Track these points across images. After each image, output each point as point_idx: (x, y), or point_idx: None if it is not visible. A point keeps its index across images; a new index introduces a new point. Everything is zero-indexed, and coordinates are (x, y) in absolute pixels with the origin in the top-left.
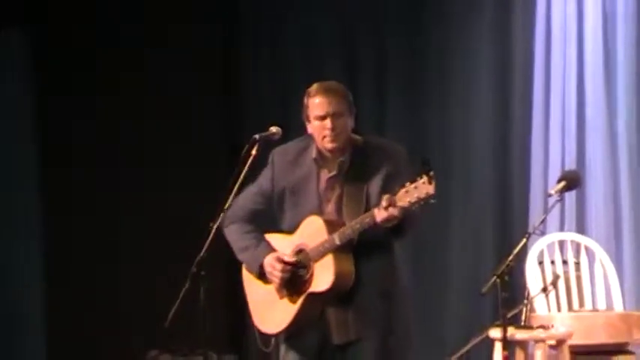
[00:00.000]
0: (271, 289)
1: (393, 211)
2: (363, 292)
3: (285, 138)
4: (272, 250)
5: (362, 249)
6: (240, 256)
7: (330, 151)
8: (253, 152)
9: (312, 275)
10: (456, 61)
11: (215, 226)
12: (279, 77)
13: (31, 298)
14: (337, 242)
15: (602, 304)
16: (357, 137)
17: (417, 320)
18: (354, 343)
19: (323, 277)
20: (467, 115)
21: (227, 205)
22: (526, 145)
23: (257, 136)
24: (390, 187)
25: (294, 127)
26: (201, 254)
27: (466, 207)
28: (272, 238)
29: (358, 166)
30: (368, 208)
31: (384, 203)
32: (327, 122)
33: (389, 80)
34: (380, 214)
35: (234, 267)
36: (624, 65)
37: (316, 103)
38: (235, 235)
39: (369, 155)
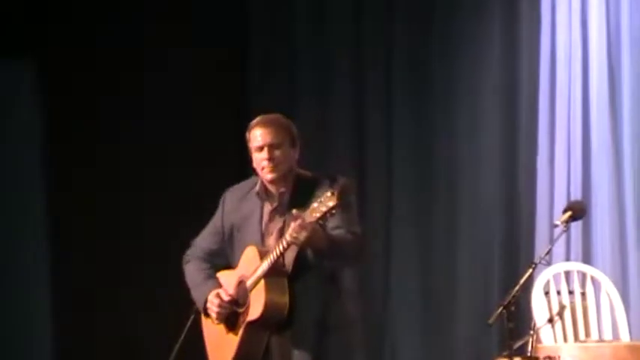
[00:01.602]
0: (220, 327)
1: (300, 227)
2: (299, 321)
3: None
4: (218, 286)
5: (299, 278)
6: (192, 294)
7: (270, 182)
8: None
9: (247, 306)
10: (461, 86)
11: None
12: (288, 78)
13: (37, 300)
14: (265, 267)
15: (608, 335)
16: (304, 172)
17: (426, 349)
18: None
19: (256, 304)
20: (473, 145)
21: None
22: (532, 175)
23: None
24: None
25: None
26: None
27: (472, 237)
28: (222, 275)
29: (299, 197)
30: None
31: (292, 221)
32: (265, 153)
33: (397, 92)
34: (290, 234)
35: None
36: (630, 91)
37: (255, 135)
38: (190, 274)
39: (311, 185)
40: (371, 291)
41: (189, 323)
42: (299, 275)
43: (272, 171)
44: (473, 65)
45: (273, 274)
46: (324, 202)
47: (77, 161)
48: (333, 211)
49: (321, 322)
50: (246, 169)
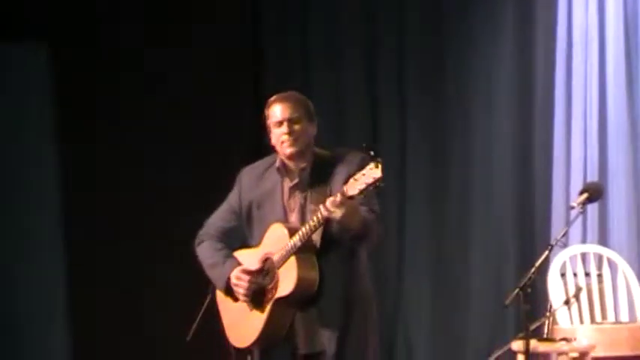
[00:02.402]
0: (242, 304)
1: (338, 198)
2: (324, 298)
3: None
4: (239, 264)
5: (325, 255)
6: (209, 273)
7: (289, 156)
8: None
9: (277, 282)
10: (476, 69)
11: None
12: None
13: (54, 300)
14: (297, 243)
15: (624, 316)
16: (321, 150)
17: (440, 332)
18: (318, 354)
19: (287, 280)
20: (488, 126)
21: None
22: (548, 157)
23: None
24: None
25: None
26: None
27: (488, 219)
28: (240, 254)
29: (319, 173)
30: None
31: (333, 194)
32: (284, 127)
33: (409, 87)
34: (326, 207)
35: None
36: None
37: (274, 111)
38: (205, 253)
39: (330, 162)
40: (384, 274)
41: (206, 302)
42: (325, 251)
43: (292, 145)
44: (488, 48)
45: (302, 249)
46: (368, 174)
47: (91, 156)
48: (379, 184)
49: (345, 299)
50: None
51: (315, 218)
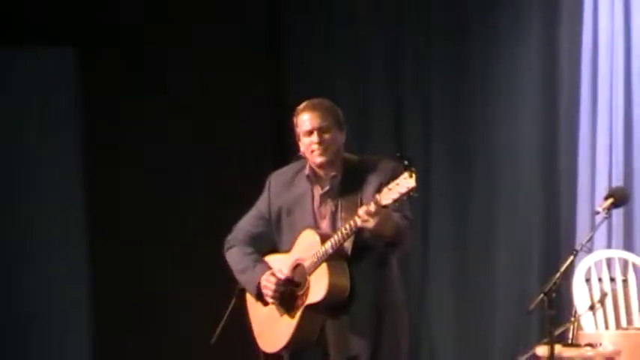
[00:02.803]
0: (272, 309)
1: (372, 207)
2: (356, 305)
3: None
4: (269, 269)
5: (357, 262)
6: (239, 278)
7: (320, 165)
8: None
9: (308, 288)
10: (501, 74)
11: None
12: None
13: (76, 301)
14: (329, 250)
15: None
16: (351, 155)
17: (464, 337)
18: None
19: (318, 287)
20: (513, 130)
21: None
22: (573, 162)
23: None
24: None
25: None
26: None
27: (513, 224)
28: (270, 259)
29: (350, 181)
30: None
31: (367, 202)
32: (314, 136)
33: (434, 92)
34: (361, 216)
35: None
36: None
37: (303, 120)
38: (235, 258)
39: (361, 169)
40: (408, 278)
41: (231, 304)
42: (356, 258)
43: (322, 154)
44: (513, 55)
45: (334, 256)
46: (402, 184)
47: (115, 158)
48: (412, 193)
49: (376, 306)
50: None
51: (347, 226)
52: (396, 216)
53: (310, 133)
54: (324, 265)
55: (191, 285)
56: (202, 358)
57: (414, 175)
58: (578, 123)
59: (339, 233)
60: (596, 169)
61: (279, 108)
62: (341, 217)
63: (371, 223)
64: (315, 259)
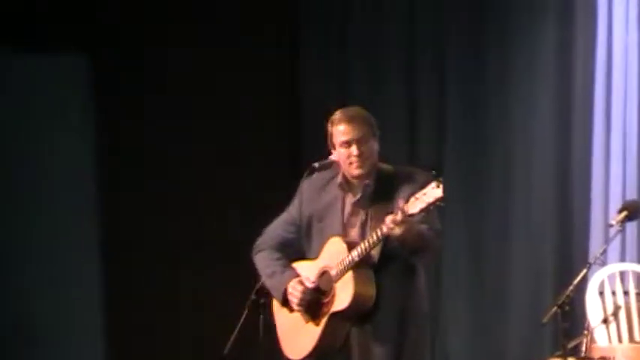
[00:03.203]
0: (297, 316)
1: (399, 216)
2: (381, 313)
3: None
4: (297, 275)
5: (383, 270)
6: (267, 283)
7: (357, 177)
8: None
9: (333, 296)
10: (516, 88)
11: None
12: (339, 86)
13: (88, 305)
14: (355, 258)
15: None
16: (385, 165)
17: (477, 349)
18: None
19: (343, 295)
20: (527, 144)
21: None
22: (587, 175)
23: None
24: None
25: None
26: (260, 283)
27: (527, 237)
28: (299, 265)
29: (382, 191)
30: None
31: (394, 210)
32: (354, 149)
33: (449, 104)
34: (387, 224)
35: None
36: None
37: (341, 130)
38: (263, 262)
39: (393, 180)
40: None
41: (243, 316)
42: (383, 267)
43: (360, 166)
44: (528, 70)
45: (360, 264)
46: (429, 194)
47: (130, 161)
48: (440, 203)
49: (401, 315)
50: (298, 169)
51: (374, 234)
52: (424, 227)
53: (348, 144)
54: (350, 273)
55: (204, 288)
56: None
57: (441, 186)
58: (591, 136)
59: (366, 241)
60: (610, 182)
61: (294, 111)
62: (370, 227)
63: (397, 232)
64: (342, 267)
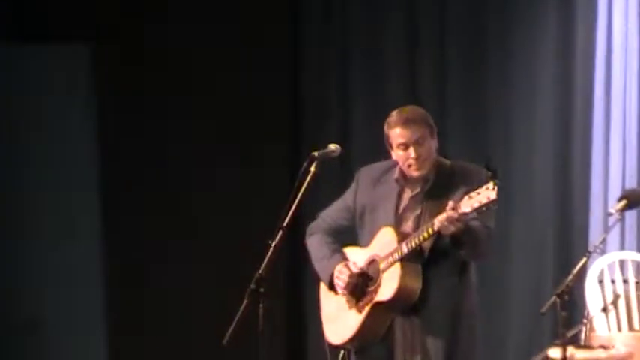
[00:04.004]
0: (342, 300)
1: (452, 214)
2: (429, 308)
3: (345, 142)
4: (345, 259)
5: (434, 265)
6: (316, 265)
7: (416, 178)
8: (312, 169)
9: (378, 285)
10: (516, 77)
11: (274, 244)
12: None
13: (91, 301)
14: (405, 250)
15: None
16: (444, 161)
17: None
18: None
19: (388, 286)
20: (527, 132)
21: (285, 223)
22: (586, 164)
23: (316, 154)
24: None
25: (355, 137)
26: (260, 272)
27: (526, 226)
28: (349, 251)
29: (439, 186)
30: None
31: (446, 208)
32: (411, 151)
33: (450, 94)
34: (439, 220)
35: (297, 287)
36: None
37: (397, 134)
38: (314, 245)
39: (451, 176)
40: None
41: (243, 306)
42: (433, 262)
43: (419, 169)
44: (528, 57)
45: (409, 258)
46: (482, 194)
47: (133, 154)
48: (493, 205)
49: (452, 311)
50: (297, 169)
51: (426, 230)
52: (477, 224)
53: (405, 147)
54: (397, 265)
55: (204, 283)
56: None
57: (496, 188)
58: (591, 125)
59: (418, 235)
60: (609, 171)
61: (296, 108)
62: (424, 222)
63: (449, 229)
64: (391, 258)
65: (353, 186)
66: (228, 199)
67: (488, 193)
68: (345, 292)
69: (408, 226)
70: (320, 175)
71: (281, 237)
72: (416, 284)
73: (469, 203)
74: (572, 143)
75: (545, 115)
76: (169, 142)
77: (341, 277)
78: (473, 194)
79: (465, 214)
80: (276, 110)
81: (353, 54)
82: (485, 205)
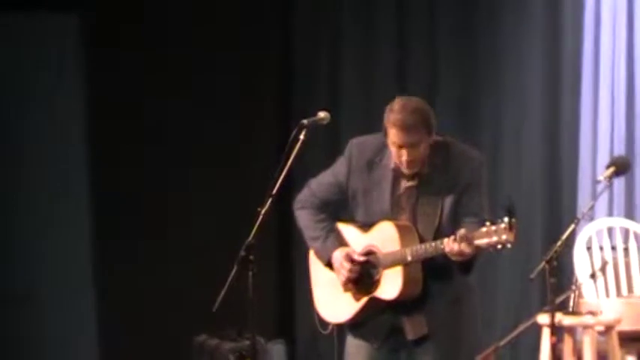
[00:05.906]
0: (336, 280)
1: (465, 247)
2: (434, 300)
3: (333, 115)
4: (341, 242)
5: (433, 264)
6: (310, 244)
7: (405, 173)
8: (301, 137)
9: (379, 280)
10: (505, 46)
11: (263, 211)
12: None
13: (81, 286)
14: (408, 259)
15: None
16: (439, 138)
17: None
18: (426, 341)
19: (390, 285)
20: (516, 101)
21: (274, 190)
22: (575, 131)
23: (305, 122)
24: (465, 199)
25: (344, 104)
26: (250, 239)
27: (515, 194)
28: (344, 228)
29: (436, 174)
30: (441, 220)
31: (458, 238)
32: (403, 152)
33: (440, 67)
34: (450, 246)
35: (286, 254)
36: None
37: (393, 133)
38: (306, 222)
39: (448, 162)
40: None
41: (232, 273)
42: (433, 262)
43: (409, 168)
44: (517, 27)
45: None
46: (499, 232)
47: (122, 132)
48: (508, 246)
49: (456, 298)
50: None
51: (434, 248)
52: (474, 221)
53: (400, 146)
54: (400, 268)
55: (192, 244)
56: (208, 327)
57: (514, 230)
58: (579, 93)
59: (423, 250)
60: (598, 138)
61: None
62: (420, 213)
63: (457, 257)
64: (393, 259)
65: (345, 161)
66: (226, 206)
67: (505, 233)
68: (343, 284)
69: (403, 217)
70: (309, 142)
71: (270, 204)
72: (417, 289)
73: (484, 238)
74: (560, 110)
75: (534, 83)
76: (168, 112)
77: (342, 270)
78: (489, 229)
79: (479, 247)
80: (266, 80)
81: (343, 20)
82: (500, 244)
